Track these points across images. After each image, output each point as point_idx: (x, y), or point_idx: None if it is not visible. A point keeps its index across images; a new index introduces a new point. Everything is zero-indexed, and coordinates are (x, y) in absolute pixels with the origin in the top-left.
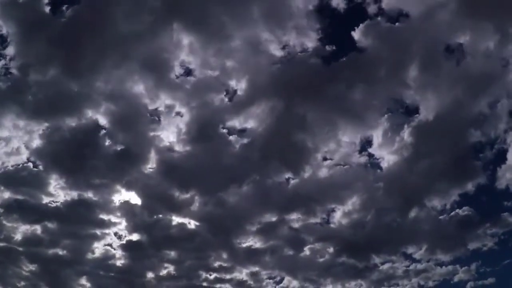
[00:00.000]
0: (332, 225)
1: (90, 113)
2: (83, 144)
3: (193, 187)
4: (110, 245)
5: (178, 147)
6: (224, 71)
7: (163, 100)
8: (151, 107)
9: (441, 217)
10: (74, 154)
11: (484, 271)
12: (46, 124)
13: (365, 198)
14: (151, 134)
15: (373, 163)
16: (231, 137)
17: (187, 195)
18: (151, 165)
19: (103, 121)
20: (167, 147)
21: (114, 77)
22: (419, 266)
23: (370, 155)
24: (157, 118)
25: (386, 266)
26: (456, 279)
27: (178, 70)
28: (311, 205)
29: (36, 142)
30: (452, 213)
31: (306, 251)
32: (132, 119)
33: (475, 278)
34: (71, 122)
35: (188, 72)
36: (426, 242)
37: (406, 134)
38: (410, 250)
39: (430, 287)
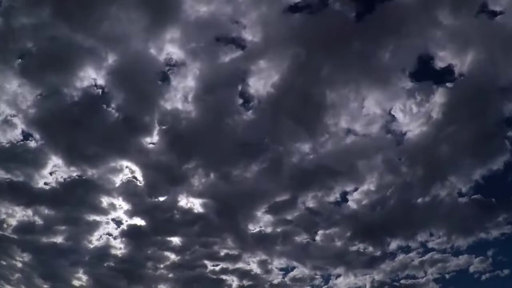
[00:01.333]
0: (349, 204)
1: (88, 70)
2: (82, 113)
3: (199, 161)
4: (109, 233)
5: (184, 114)
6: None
7: (169, 53)
8: (155, 62)
9: (461, 199)
10: (72, 126)
11: (500, 260)
12: (40, 90)
13: (385, 174)
14: (156, 96)
15: (397, 133)
16: (243, 100)
17: (193, 171)
18: (154, 138)
19: (103, 81)
20: (172, 113)
21: (114, 18)
22: (436, 256)
23: (394, 124)
24: (163, 77)
25: (400, 256)
26: (471, 269)
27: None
28: (328, 182)
29: (30, 111)
30: (474, 196)
31: (319, 235)
32: (135, 77)
33: (490, 270)
34: (68, 85)
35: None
36: (443, 227)
37: (437, 96)
38: (426, 236)
39: (446, 280)
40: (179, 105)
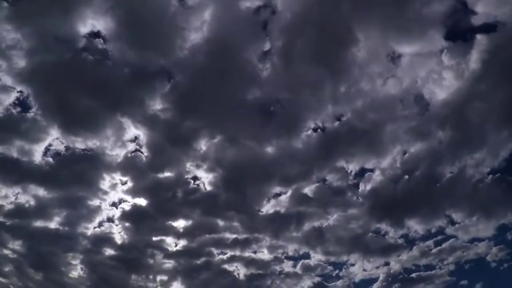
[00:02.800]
0: (370, 176)
1: (87, 14)
2: (79, 71)
3: (207, 120)
4: (108, 216)
5: (193, 66)
6: None
7: None
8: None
9: (486, 176)
10: (69, 83)
11: None
12: (34, 41)
13: (412, 141)
14: (163, 44)
15: (426, 96)
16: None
17: (198, 132)
18: (159, 94)
19: (104, 27)
20: (180, 65)
21: None
22: (454, 243)
23: (426, 84)
24: (171, 21)
25: (418, 245)
26: (489, 258)
27: None
28: (349, 148)
29: (23, 66)
30: (498, 175)
31: (335, 217)
32: (141, 19)
33: (508, 260)
34: (66, 33)
35: None
36: (465, 209)
37: (474, 47)
38: (446, 221)
39: (464, 271)
40: (188, 56)
